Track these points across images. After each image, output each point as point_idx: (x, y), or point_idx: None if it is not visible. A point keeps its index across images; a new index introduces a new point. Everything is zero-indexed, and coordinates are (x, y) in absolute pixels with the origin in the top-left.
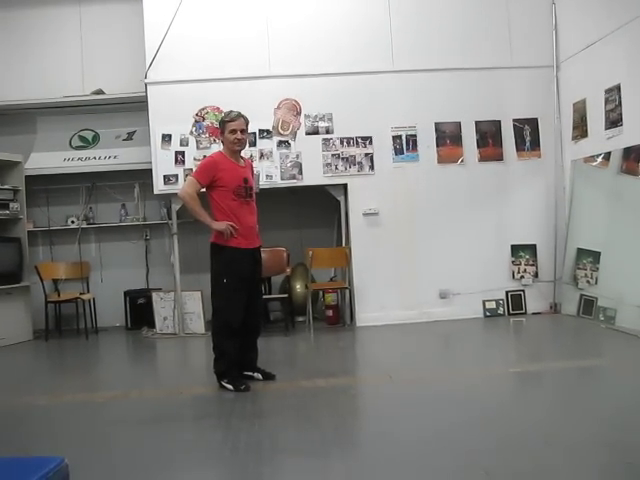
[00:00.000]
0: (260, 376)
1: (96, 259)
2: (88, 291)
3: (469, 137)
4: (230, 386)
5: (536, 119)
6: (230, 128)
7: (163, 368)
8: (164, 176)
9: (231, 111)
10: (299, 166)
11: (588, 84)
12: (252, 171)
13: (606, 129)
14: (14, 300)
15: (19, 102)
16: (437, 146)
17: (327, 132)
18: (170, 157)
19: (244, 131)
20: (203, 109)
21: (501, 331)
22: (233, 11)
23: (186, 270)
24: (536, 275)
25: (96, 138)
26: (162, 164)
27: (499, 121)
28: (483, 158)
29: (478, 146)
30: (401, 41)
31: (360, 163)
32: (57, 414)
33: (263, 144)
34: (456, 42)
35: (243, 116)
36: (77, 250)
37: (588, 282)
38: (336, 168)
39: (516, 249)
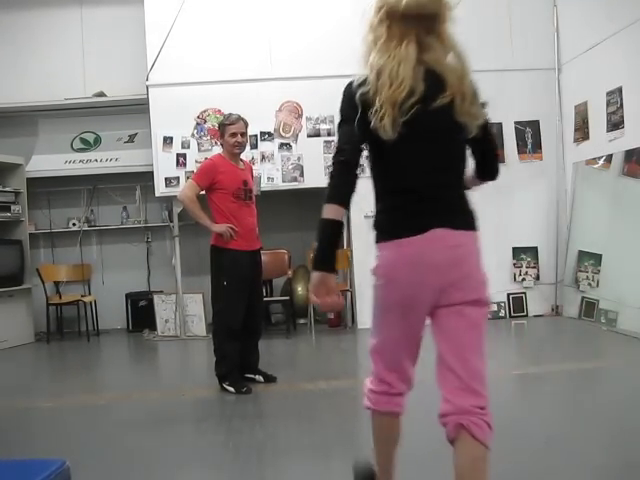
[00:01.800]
0: (261, 378)
1: (97, 261)
2: (89, 293)
3: None
4: (231, 388)
5: (538, 121)
6: (230, 131)
7: (165, 370)
8: (165, 178)
9: (231, 114)
10: (300, 168)
11: (590, 86)
12: (252, 174)
13: (608, 131)
14: (15, 302)
15: (20, 104)
16: None
17: (329, 134)
18: (171, 159)
19: (244, 134)
20: (204, 111)
21: (502, 333)
22: (234, 13)
23: (187, 272)
24: (537, 277)
25: (97, 140)
26: (163, 166)
27: (500, 123)
28: None
29: None
30: None
31: (362, 165)
32: (59, 416)
33: (264, 146)
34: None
35: (243, 119)
36: (78, 252)
37: (590, 284)
38: None
39: (517, 251)
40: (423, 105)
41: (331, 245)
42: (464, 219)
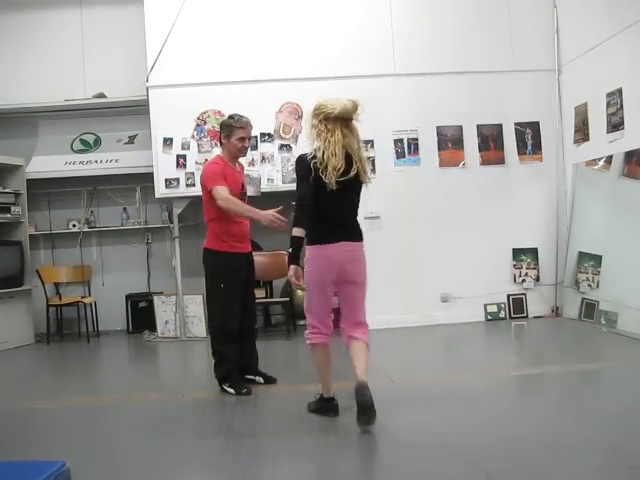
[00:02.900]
0: (261, 380)
1: (97, 263)
2: (89, 295)
3: (471, 140)
4: (232, 390)
5: (538, 122)
6: (239, 135)
7: (165, 372)
8: (165, 180)
9: (241, 116)
10: None
11: (590, 87)
12: (243, 175)
13: (608, 132)
14: (16, 304)
15: (20, 106)
16: (439, 150)
17: None
18: (171, 161)
19: (250, 139)
20: (204, 112)
21: (503, 335)
22: (234, 14)
23: (187, 273)
24: (537, 279)
25: (97, 142)
26: (163, 168)
27: (501, 124)
28: (485, 162)
29: (480, 150)
30: (403, 44)
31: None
32: (59, 418)
33: (264, 147)
34: (458, 45)
35: (250, 123)
36: (78, 254)
37: (589, 286)
38: None
39: (517, 252)
40: (344, 173)
41: (297, 250)
42: (357, 235)
